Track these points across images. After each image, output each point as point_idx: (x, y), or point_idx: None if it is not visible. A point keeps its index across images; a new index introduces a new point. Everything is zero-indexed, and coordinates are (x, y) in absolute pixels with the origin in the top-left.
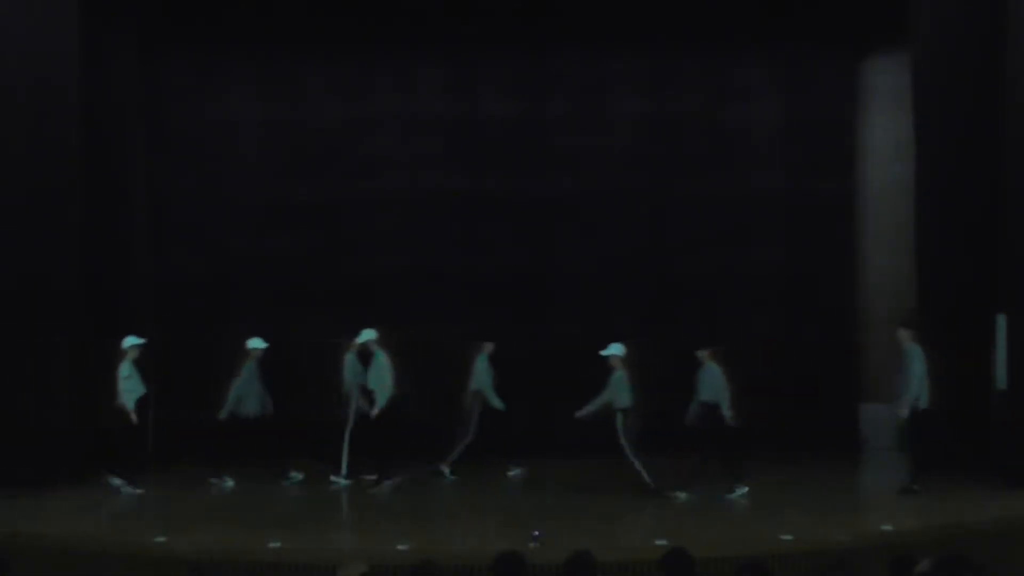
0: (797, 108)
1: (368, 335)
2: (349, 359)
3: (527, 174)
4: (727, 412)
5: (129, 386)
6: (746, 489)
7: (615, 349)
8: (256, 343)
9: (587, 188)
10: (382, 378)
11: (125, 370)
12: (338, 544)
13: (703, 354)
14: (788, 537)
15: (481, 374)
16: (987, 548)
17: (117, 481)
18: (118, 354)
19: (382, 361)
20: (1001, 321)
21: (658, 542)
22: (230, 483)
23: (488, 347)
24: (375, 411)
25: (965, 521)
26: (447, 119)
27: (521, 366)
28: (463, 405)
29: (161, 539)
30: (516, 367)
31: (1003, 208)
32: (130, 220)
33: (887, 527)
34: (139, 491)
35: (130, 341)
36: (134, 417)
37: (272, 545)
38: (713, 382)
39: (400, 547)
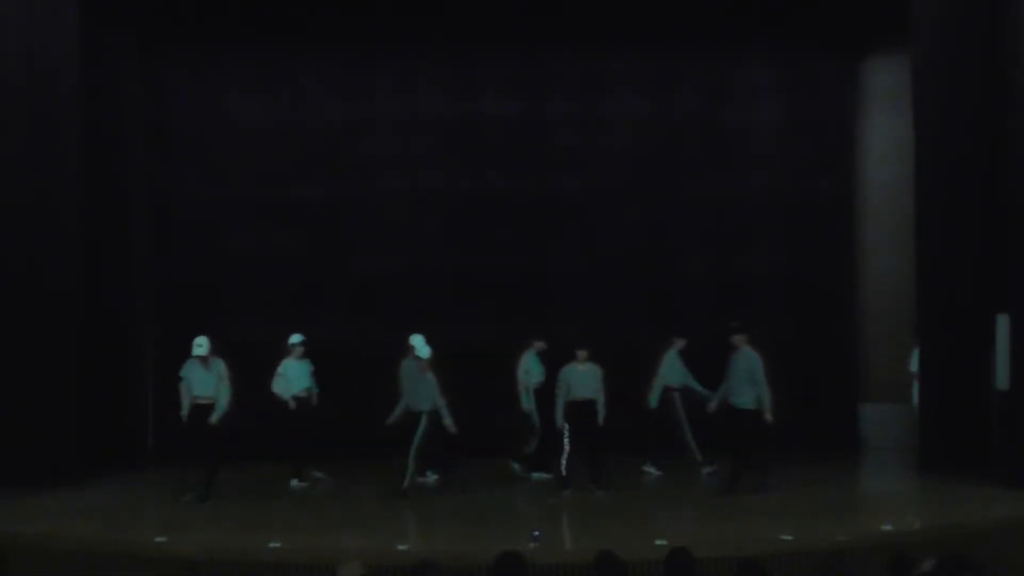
0: (797, 108)
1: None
2: (529, 357)
3: (527, 174)
4: (601, 411)
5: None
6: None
7: (422, 352)
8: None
9: (587, 188)
10: (227, 386)
11: (529, 363)
12: (338, 544)
13: (582, 353)
14: (788, 537)
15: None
16: (987, 548)
17: (537, 475)
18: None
19: (221, 369)
20: (1001, 321)
21: (658, 542)
22: (434, 477)
23: (295, 350)
24: (215, 418)
25: (965, 521)
26: (447, 119)
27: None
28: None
29: (161, 539)
30: (514, 366)
31: (1006, 208)
32: (130, 220)
33: (887, 527)
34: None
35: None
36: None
37: (272, 545)
38: (594, 381)
39: (400, 547)
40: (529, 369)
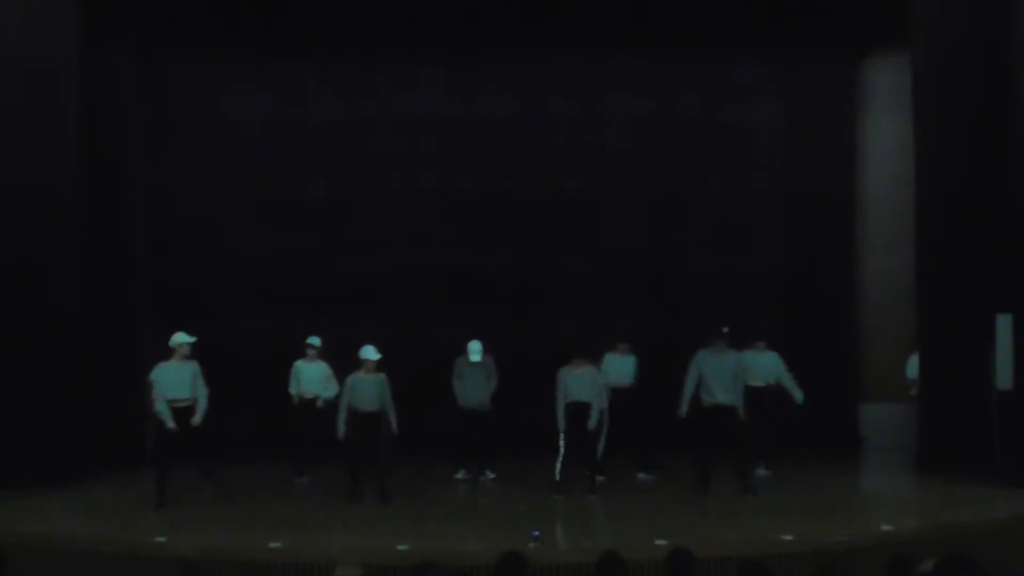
0: (797, 108)
1: (182, 339)
2: (608, 359)
3: (527, 174)
4: (594, 414)
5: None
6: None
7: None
8: (474, 347)
9: (587, 188)
10: (203, 384)
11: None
12: (338, 544)
13: (579, 359)
14: (788, 537)
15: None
16: (987, 548)
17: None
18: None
19: (197, 368)
20: (1002, 321)
21: (658, 542)
22: (492, 475)
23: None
24: (198, 419)
25: (965, 521)
26: (447, 119)
27: (521, 365)
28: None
29: (161, 539)
30: (516, 366)
31: (1010, 208)
32: (130, 220)
33: (887, 527)
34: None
35: None
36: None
37: (272, 545)
38: (592, 384)
39: (400, 547)
40: (605, 371)
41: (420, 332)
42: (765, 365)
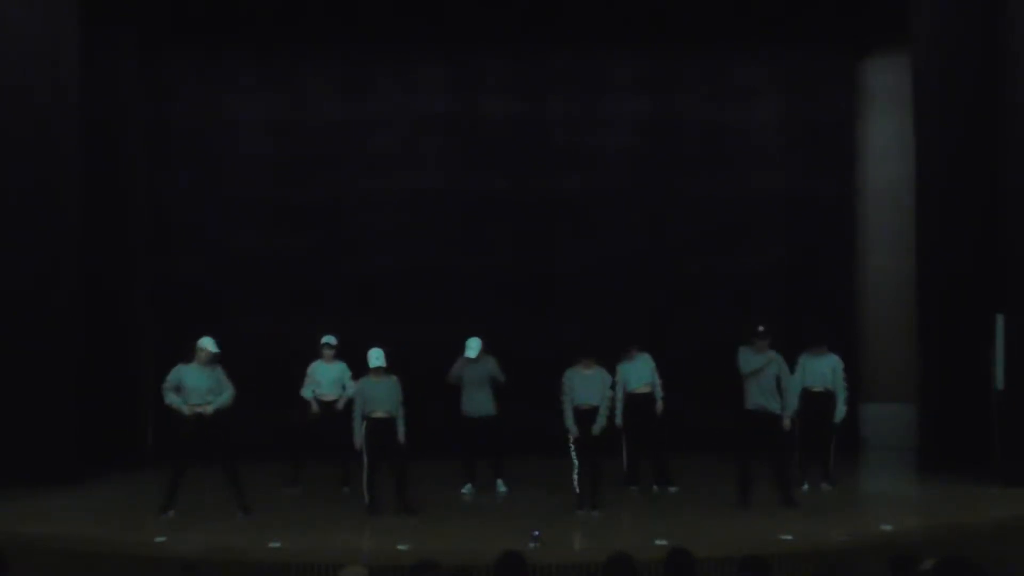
0: (797, 108)
1: (208, 343)
2: (621, 369)
3: (528, 174)
4: (601, 419)
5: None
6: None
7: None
8: (472, 343)
9: (588, 188)
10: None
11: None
12: (338, 544)
13: (587, 359)
14: (788, 537)
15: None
16: (987, 548)
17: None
18: None
19: (220, 373)
20: (1000, 321)
21: (658, 542)
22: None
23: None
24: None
25: (965, 521)
26: (448, 118)
27: (521, 366)
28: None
29: (161, 539)
30: (516, 367)
31: (1003, 208)
32: (130, 220)
33: (887, 527)
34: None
35: None
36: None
37: (272, 545)
38: (602, 387)
39: (400, 547)
40: (622, 380)
41: (420, 332)
42: (823, 369)
